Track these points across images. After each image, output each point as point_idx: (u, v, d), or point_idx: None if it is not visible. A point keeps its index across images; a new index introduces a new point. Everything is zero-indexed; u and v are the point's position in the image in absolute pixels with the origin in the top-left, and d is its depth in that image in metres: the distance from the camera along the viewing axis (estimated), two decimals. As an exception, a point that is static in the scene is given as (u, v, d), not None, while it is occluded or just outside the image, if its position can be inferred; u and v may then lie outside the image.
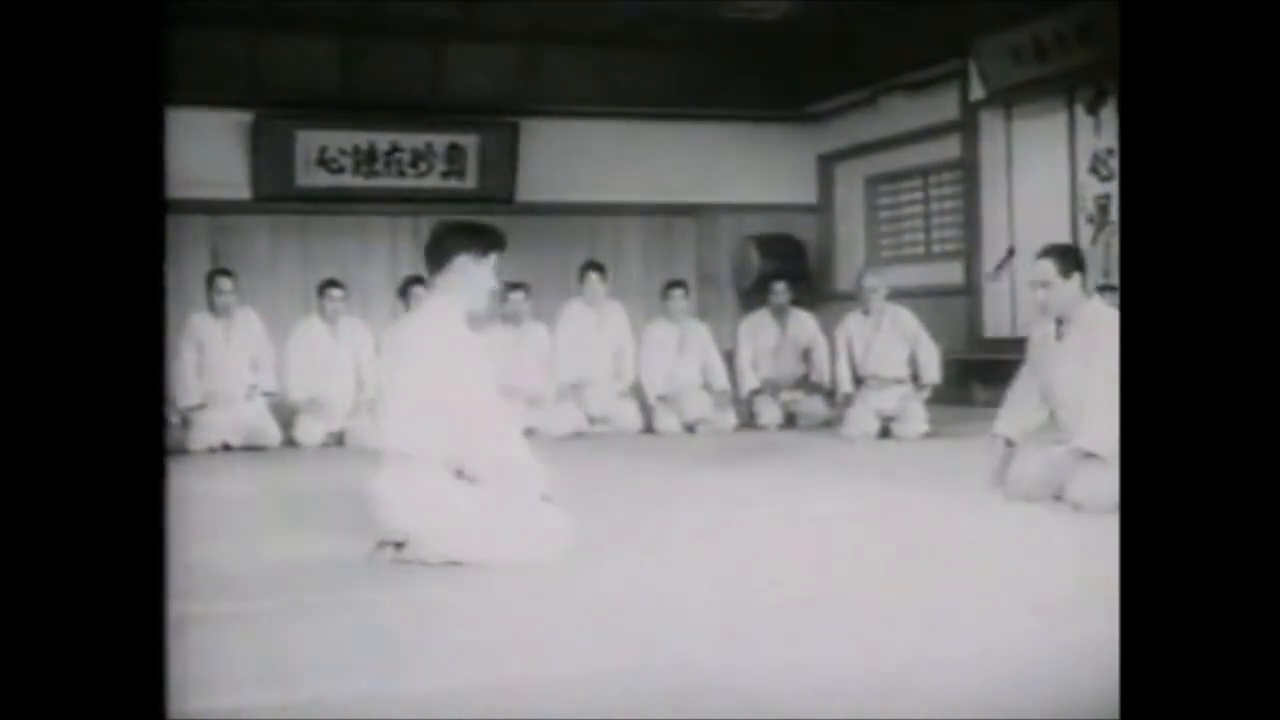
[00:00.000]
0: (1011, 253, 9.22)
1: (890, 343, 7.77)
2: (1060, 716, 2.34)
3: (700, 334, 8.59)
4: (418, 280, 8.06)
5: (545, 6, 9.71)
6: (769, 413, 8.39)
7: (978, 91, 9.48)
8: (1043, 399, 4.85)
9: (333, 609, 3.23)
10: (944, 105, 9.96)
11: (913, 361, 7.74)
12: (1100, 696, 2.18)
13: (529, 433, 7.94)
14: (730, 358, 8.57)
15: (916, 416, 7.59)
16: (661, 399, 8.31)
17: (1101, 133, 8.59)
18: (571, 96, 10.71)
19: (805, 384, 8.49)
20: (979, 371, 9.48)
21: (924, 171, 10.79)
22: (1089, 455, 4.50)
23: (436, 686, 2.53)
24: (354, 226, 10.71)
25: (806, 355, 8.55)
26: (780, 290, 8.67)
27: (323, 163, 10.30)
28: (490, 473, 3.79)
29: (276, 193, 10.24)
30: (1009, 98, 9.26)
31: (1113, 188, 8.46)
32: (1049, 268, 4.67)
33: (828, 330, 8.40)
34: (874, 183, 11.38)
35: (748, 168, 11.39)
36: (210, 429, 7.60)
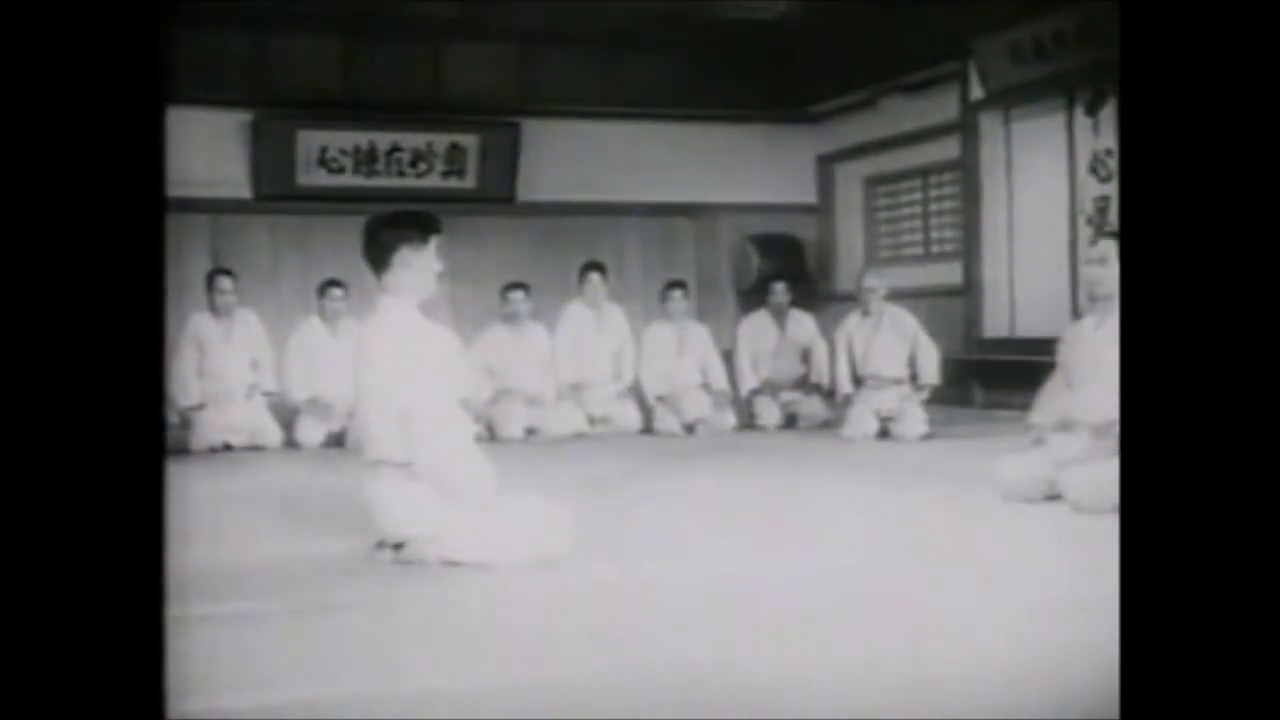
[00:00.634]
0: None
1: (889, 343, 7.77)
2: (1060, 716, 2.34)
3: (700, 334, 8.59)
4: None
5: (545, 6, 9.71)
6: (768, 413, 8.39)
7: (977, 92, 9.48)
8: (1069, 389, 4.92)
9: (333, 609, 3.23)
10: (943, 106, 9.96)
11: (912, 362, 7.74)
12: (1100, 696, 2.18)
13: (529, 433, 8.00)
14: (730, 358, 8.57)
15: (915, 417, 7.59)
16: (661, 399, 8.30)
17: (1101, 133, 8.59)
18: (571, 96, 10.71)
19: (804, 384, 8.49)
20: (978, 372, 9.48)
21: (923, 172, 10.78)
22: (1095, 436, 4.53)
23: (436, 686, 2.53)
24: (354, 226, 10.58)
25: (806, 356, 8.55)
26: (780, 290, 8.67)
27: (323, 162, 10.30)
28: (441, 473, 3.73)
29: (277, 193, 10.24)
30: (1008, 98, 9.26)
31: (1112, 189, 8.46)
32: (1111, 248, 4.79)
33: (827, 331, 8.40)
34: (873, 183, 11.38)
35: (748, 168, 11.38)
36: (211, 429, 7.60)
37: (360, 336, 4.13)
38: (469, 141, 10.60)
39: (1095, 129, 8.65)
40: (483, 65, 10.42)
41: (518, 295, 8.23)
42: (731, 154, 11.32)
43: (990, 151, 9.58)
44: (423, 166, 10.56)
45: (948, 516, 4.69)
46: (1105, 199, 8.57)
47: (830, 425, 8.07)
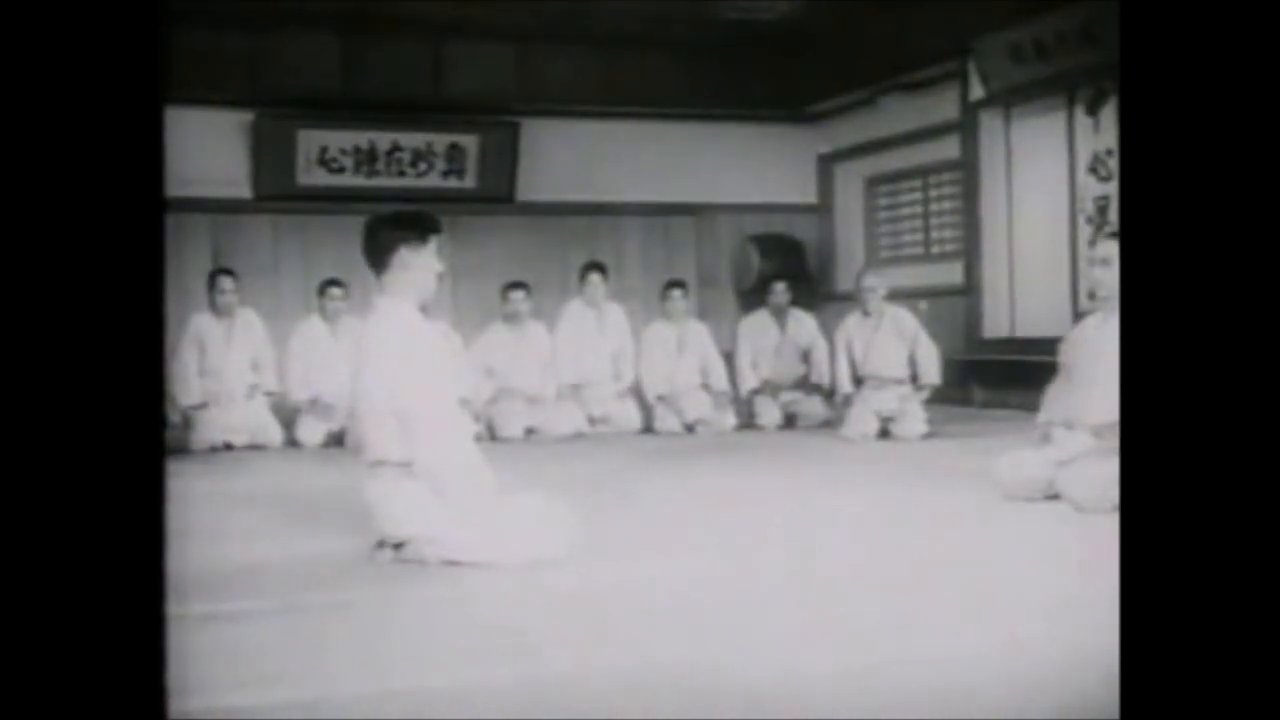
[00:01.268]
0: None
1: (889, 343, 7.77)
2: (1060, 717, 2.34)
3: (700, 334, 8.59)
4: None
5: (545, 6, 9.71)
6: (768, 413, 8.39)
7: (977, 91, 9.48)
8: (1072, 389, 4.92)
9: (333, 609, 3.23)
10: (944, 105, 9.96)
11: (912, 362, 7.74)
12: (1100, 697, 2.18)
13: (529, 432, 8.00)
14: (730, 358, 8.57)
15: (915, 417, 7.59)
16: (661, 399, 8.31)
17: (1101, 133, 8.59)
18: (571, 96, 10.71)
19: (805, 384, 8.49)
20: (978, 372, 9.49)
21: (923, 172, 10.79)
22: (1094, 436, 4.54)
23: (436, 686, 2.53)
24: (355, 226, 10.60)
25: (806, 355, 8.55)
26: (780, 290, 8.67)
27: (323, 162, 10.30)
28: (440, 473, 3.73)
29: (277, 192, 10.24)
30: (1009, 98, 9.26)
31: (1112, 188, 8.46)
32: (1113, 248, 4.73)
33: (827, 330, 8.40)
34: (874, 183, 11.38)
35: (748, 168, 11.39)
36: (212, 428, 7.61)
37: (359, 337, 4.13)
38: (469, 141, 10.60)
39: (1096, 129, 8.65)
40: (483, 65, 10.42)
41: (518, 295, 8.23)
42: (731, 154, 11.33)
43: (990, 151, 9.58)
44: (423, 166, 10.56)
45: (948, 516, 4.69)
46: (1105, 199, 8.57)
47: (830, 425, 8.07)
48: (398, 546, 3.76)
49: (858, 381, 7.84)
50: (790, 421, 8.40)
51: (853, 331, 7.89)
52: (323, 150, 10.28)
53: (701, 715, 2.37)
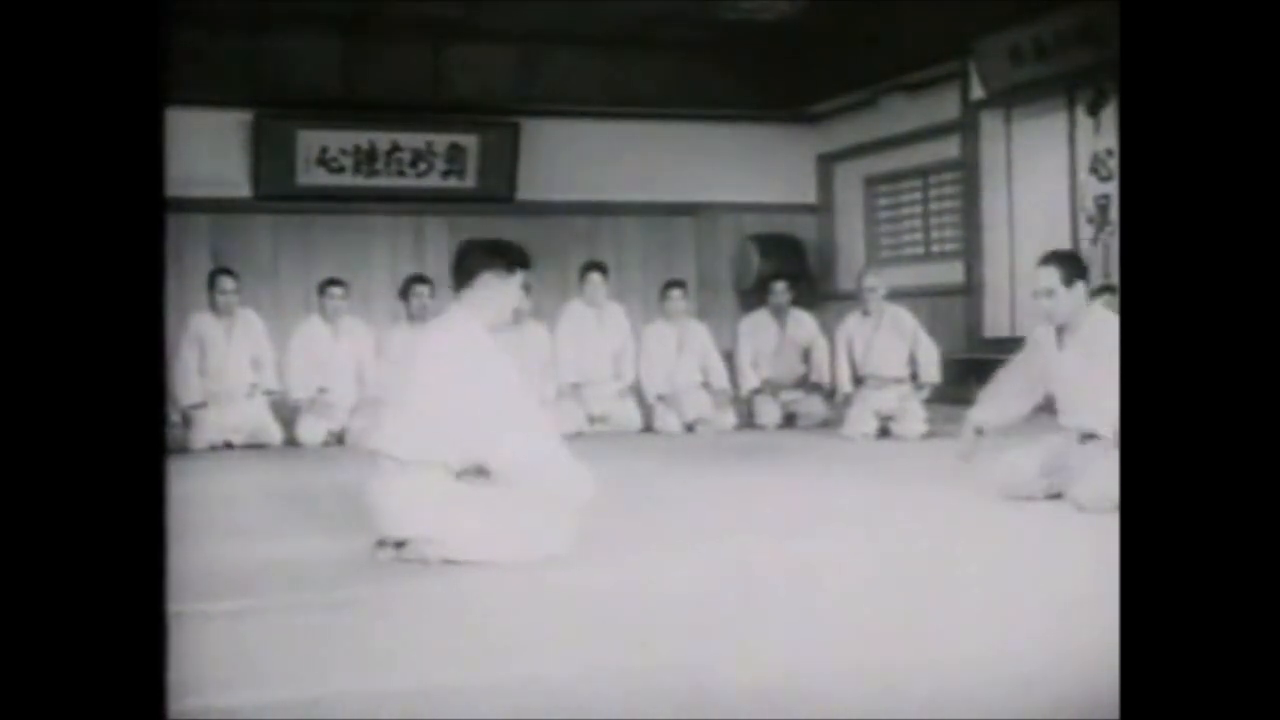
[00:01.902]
0: None
1: (889, 342, 7.78)
2: (1060, 716, 2.34)
3: (699, 334, 8.60)
4: (420, 279, 8.09)
5: (546, 6, 9.71)
6: (768, 412, 8.40)
7: (978, 92, 9.48)
8: (1031, 392, 4.89)
9: (333, 608, 3.23)
10: (944, 105, 9.96)
11: (912, 361, 7.75)
12: (1100, 697, 2.18)
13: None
14: (730, 357, 8.58)
15: (915, 416, 7.60)
16: (661, 398, 8.31)
17: (1101, 133, 8.59)
18: (571, 96, 10.71)
19: (805, 384, 8.49)
20: (978, 371, 9.45)
21: (924, 172, 10.79)
22: (1088, 438, 4.53)
23: (436, 686, 2.53)
24: (355, 226, 10.71)
25: (806, 355, 8.55)
26: (780, 290, 8.67)
27: (323, 162, 10.31)
28: (524, 475, 3.76)
29: (277, 192, 10.24)
30: (1009, 98, 9.26)
31: (1113, 188, 8.46)
32: (1052, 275, 4.60)
33: (827, 330, 8.40)
34: (874, 183, 11.38)
35: (748, 168, 11.39)
36: (212, 427, 7.62)
37: (419, 336, 4.18)
38: (469, 141, 10.60)
39: (1096, 129, 8.65)
40: (483, 65, 10.42)
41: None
42: (731, 154, 11.33)
43: (991, 151, 9.58)
44: (423, 166, 10.56)
45: (947, 516, 4.69)
46: (1106, 198, 8.57)
47: (830, 424, 8.08)
48: (398, 545, 3.77)
49: (858, 381, 7.84)
50: (790, 421, 8.40)
51: (853, 331, 7.89)
52: (323, 150, 10.28)
53: (701, 715, 2.37)
